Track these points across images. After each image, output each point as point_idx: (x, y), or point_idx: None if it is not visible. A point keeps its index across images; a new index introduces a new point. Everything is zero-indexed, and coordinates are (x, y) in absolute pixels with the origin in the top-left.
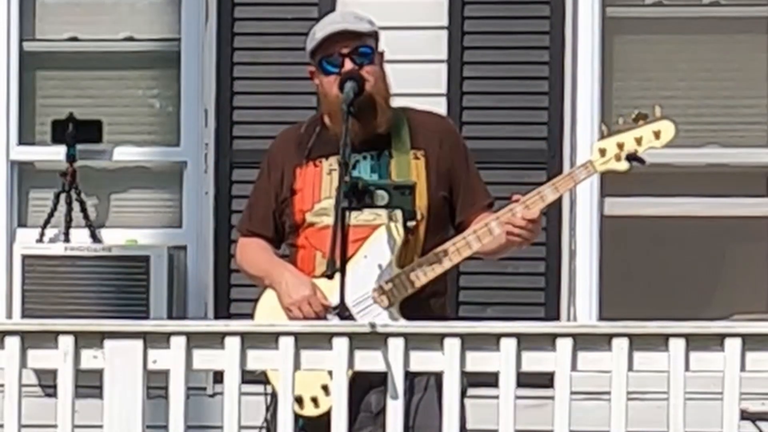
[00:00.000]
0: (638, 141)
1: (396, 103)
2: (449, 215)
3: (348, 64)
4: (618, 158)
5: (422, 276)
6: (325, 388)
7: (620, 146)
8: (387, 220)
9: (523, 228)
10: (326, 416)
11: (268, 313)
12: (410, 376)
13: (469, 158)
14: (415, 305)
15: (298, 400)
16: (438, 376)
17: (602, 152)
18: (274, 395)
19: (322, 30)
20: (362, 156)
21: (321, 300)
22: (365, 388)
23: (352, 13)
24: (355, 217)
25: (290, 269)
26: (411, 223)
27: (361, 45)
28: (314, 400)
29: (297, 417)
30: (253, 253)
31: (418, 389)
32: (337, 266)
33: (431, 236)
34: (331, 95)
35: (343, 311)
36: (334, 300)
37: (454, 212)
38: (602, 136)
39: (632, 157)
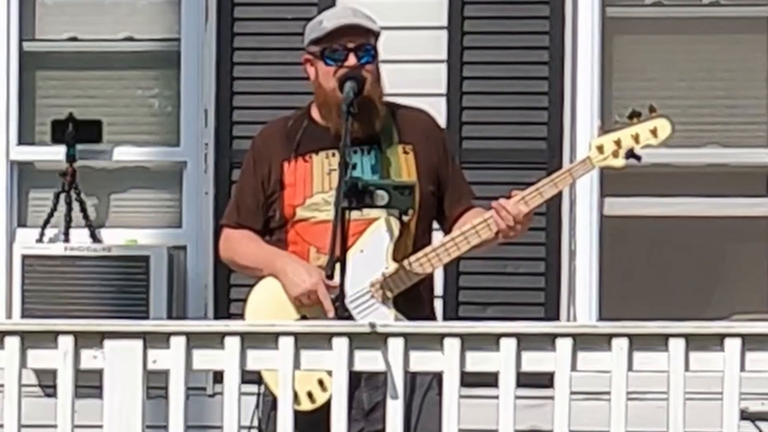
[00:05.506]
0: (635, 138)
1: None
2: (435, 209)
3: (351, 59)
4: (615, 155)
5: (420, 271)
6: (320, 382)
7: (617, 143)
8: (382, 214)
9: (516, 221)
10: (319, 410)
11: (260, 305)
12: (412, 375)
13: (452, 154)
14: (407, 297)
15: (294, 396)
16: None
17: (600, 149)
18: (266, 395)
19: (331, 21)
20: (352, 150)
21: (329, 284)
22: (356, 385)
23: (360, 10)
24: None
25: (293, 257)
26: (405, 217)
27: (367, 43)
28: (310, 395)
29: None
30: (245, 243)
31: (420, 389)
32: (337, 266)
33: (421, 230)
34: (328, 87)
35: (342, 311)
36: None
37: (440, 206)
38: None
39: (630, 154)
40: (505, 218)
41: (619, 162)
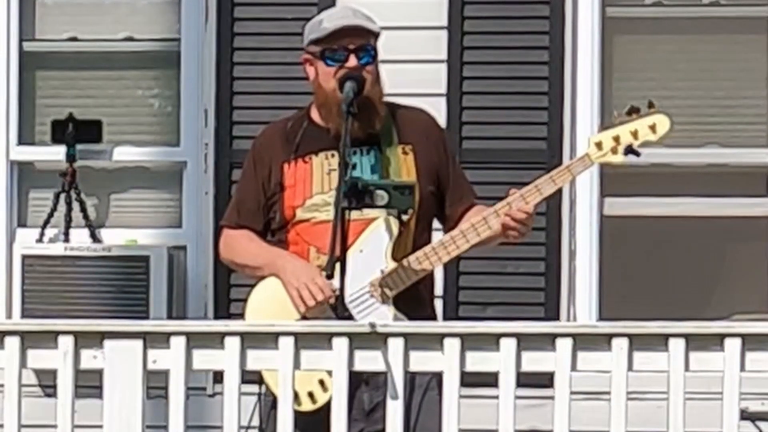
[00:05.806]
0: (634, 134)
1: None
2: (436, 209)
3: (352, 60)
4: (614, 151)
5: (420, 270)
6: (321, 383)
7: (616, 139)
8: (382, 214)
9: (522, 222)
10: (320, 411)
11: (261, 305)
12: (411, 375)
13: (452, 153)
14: (408, 296)
15: (294, 396)
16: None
17: (599, 146)
18: (266, 395)
19: (332, 21)
20: (352, 150)
21: (328, 283)
22: (357, 385)
23: (360, 10)
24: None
25: (293, 256)
26: (405, 217)
27: (367, 43)
28: (311, 395)
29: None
30: (245, 243)
31: (419, 388)
32: (337, 266)
33: (421, 230)
34: (328, 88)
35: (342, 310)
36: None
37: (441, 206)
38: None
39: (628, 150)
40: (516, 227)
41: (618, 158)
